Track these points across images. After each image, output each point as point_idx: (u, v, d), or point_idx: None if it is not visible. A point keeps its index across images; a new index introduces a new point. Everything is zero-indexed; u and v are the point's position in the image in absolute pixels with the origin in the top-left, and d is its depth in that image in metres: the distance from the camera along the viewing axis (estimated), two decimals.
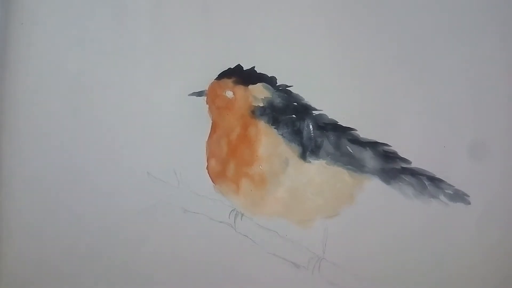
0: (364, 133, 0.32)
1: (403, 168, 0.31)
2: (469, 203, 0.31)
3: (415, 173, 0.31)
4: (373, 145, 0.31)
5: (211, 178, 0.31)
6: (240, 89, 0.32)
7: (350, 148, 0.31)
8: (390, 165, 0.31)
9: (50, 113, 0.31)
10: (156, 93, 0.32)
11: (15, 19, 0.32)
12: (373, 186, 0.31)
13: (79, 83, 0.32)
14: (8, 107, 0.31)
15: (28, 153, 0.31)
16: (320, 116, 0.32)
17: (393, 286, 0.30)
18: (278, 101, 0.32)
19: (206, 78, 0.32)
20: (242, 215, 0.30)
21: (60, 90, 0.32)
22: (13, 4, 0.32)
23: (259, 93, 0.32)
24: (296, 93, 0.32)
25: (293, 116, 0.32)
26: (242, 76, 0.32)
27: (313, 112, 0.32)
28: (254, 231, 0.30)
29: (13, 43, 0.32)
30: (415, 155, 0.31)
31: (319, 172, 0.31)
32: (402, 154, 0.31)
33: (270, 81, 0.32)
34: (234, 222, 0.30)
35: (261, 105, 0.32)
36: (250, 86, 0.32)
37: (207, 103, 0.32)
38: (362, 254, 0.30)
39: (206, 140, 0.31)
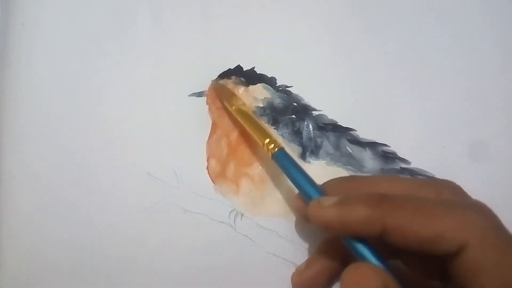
0: (363, 134, 0.32)
1: (403, 169, 0.31)
2: None
3: (415, 173, 0.31)
4: (372, 146, 0.31)
5: (211, 178, 0.31)
6: (240, 89, 0.32)
7: (349, 148, 0.32)
8: (390, 166, 0.31)
9: (50, 113, 0.31)
10: (156, 94, 0.32)
11: (16, 20, 0.32)
12: None
13: (79, 83, 0.32)
14: (8, 107, 0.31)
15: (28, 152, 0.31)
16: (320, 116, 0.32)
17: None
18: (278, 101, 0.32)
19: (206, 79, 0.32)
20: (242, 215, 0.30)
21: (60, 90, 0.31)
22: (13, 4, 0.32)
23: (259, 93, 0.32)
24: (296, 93, 0.32)
25: (293, 116, 0.32)
26: (242, 76, 0.32)
27: (313, 112, 0.32)
28: (254, 231, 0.30)
29: (13, 43, 0.32)
30: (415, 155, 0.31)
31: (319, 173, 0.31)
32: (401, 154, 0.31)
33: (270, 81, 0.32)
34: (234, 222, 0.30)
35: (261, 105, 0.32)
36: (250, 87, 0.32)
37: (207, 104, 0.32)
38: None
39: (206, 140, 0.31)
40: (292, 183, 0.27)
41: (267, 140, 0.28)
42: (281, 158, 0.27)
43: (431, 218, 0.22)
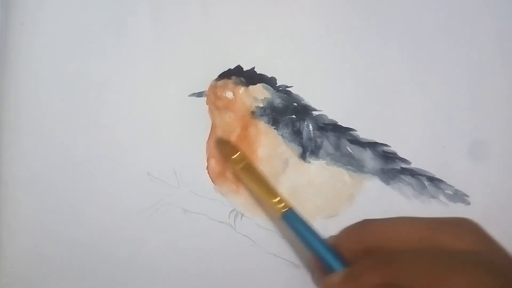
0: (363, 134, 0.32)
1: (403, 169, 0.31)
2: (469, 204, 0.31)
3: (415, 174, 0.31)
4: (372, 146, 0.31)
5: (211, 179, 0.31)
6: (240, 89, 0.32)
7: (350, 148, 0.32)
8: (390, 166, 0.31)
9: (50, 113, 0.31)
10: (156, 94, 0.32)
11: (15, 19, 0.32)
12: (373, 186, 0.31)
13: (79, 83, 0.32)
14: (8, 107, 0.31)
15: (28, 153, 0.31)
16: (320, 116, 0.32)
17: None
18: (278, 101, 0.32)
19: (206, 79, 0.32)
20: (242, 215, 0.30)
21: (60, 90, 0.31)
22: (13, 4, 0.32)
23: (259, 93, 0.32)
24: (296, 93, 0.32)
25: (293, 116, 0.32)
26: (242, 76, 0.32)
27: (313, 112, 0.32)
28: (254, 231, 0.30)
29: (13, 43, 0.32)
30: (415, 155, 0.31)
31: (319, 173, 0.31)
32: (401, 154, 0.31)
33: (270, 81, 0.32)
34: (234, 222, 0.30)
35: (261, 105, 0.32)
36: (250, 87, 0.32)
37: (207, 104, 0.32)
38: None
39: (206, 140, 0.31)
40: (303, 244, 0.27)
41: (276, 199, 0.28)
42: (291, 218, 0.27)
43: (438, 280, 0.22)
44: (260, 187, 0.29)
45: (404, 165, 0.31)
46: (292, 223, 0.27)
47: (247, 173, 0.29)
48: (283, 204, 0.28)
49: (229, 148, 0.30)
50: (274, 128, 0.32)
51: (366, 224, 0.26)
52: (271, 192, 0.28)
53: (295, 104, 0.32)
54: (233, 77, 0.32)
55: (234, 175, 0.30)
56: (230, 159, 0.30)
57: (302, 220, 0.27)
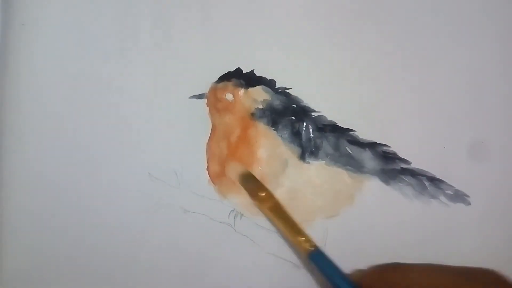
0: (363, 134, 0.32)
1: (403, 169, 0.31)
2: (470, 204, 0.31)
3: (415, 174, 0.31)
4: (372, 146, 0.31)
5: (211, 179, 0.31)
6: (239, 92, 0.32)
7: (349, 149, 0.32)
8: (390, 166, 0.31)
9: (50, 114, 0.32)
10: (157, 96, 0.32)
11: (16, 20, 0.32)
12: (373, 186, 0.31)
13: (79, 84, 0.32)
14: (9, 108, 0.32)
15: (28, 153, 0.31)
16: (319, 117, 0.32)
17: None
18: (277, 103, 0.32)
19: (206, 81, 0.32)
20: (242, 215, 0.31)
21: (61, 91, 0.32)
22: (13, 5, 0.33)
23: (259, 95, 0.32)
24: (295, 95, 0.32)
25: (292, 118, 0.32)
26: (242, 79, 0.33)
27: (312, 113, 0.32)
28: (254, 231, 0.30)
29: (14, 44, 0.32)
30: (415, 155, 0.31)
31: (319, 173, 0.31)
32: (401, 154, 0.31)
33: (269, 83, 0.32)
34: (234, 222, 0.30)
35: (261, 107, 0.32)
36: (250, 89, 0.32)
37: (207, 106, 0.32)
38: (362, 254, 0.30)
39: (207, 141, 0.32)
40: (329, 283, 0.27)
41: (303, 238, 0.28)
42: (318, 258, 0.28)
43: None
44: (287, 226, 0.29)
45: (404, 165, 0.31)
46: (319, 262, 0.28)
47: (274, 212, 0.30)
48: (310, 244, 0.28)
49: (256, 185, 0.30)
50: (274, 130, 0.32)
51: (396, 267, 0.26)
52: (298, 231, 0.29)
53: (294, 105, 0.32)
54: (233, 80, 0.32)
55: (259, 210, 0.30)
56: (257, 196, 0.30)
57: (329, 260, 0.28)
